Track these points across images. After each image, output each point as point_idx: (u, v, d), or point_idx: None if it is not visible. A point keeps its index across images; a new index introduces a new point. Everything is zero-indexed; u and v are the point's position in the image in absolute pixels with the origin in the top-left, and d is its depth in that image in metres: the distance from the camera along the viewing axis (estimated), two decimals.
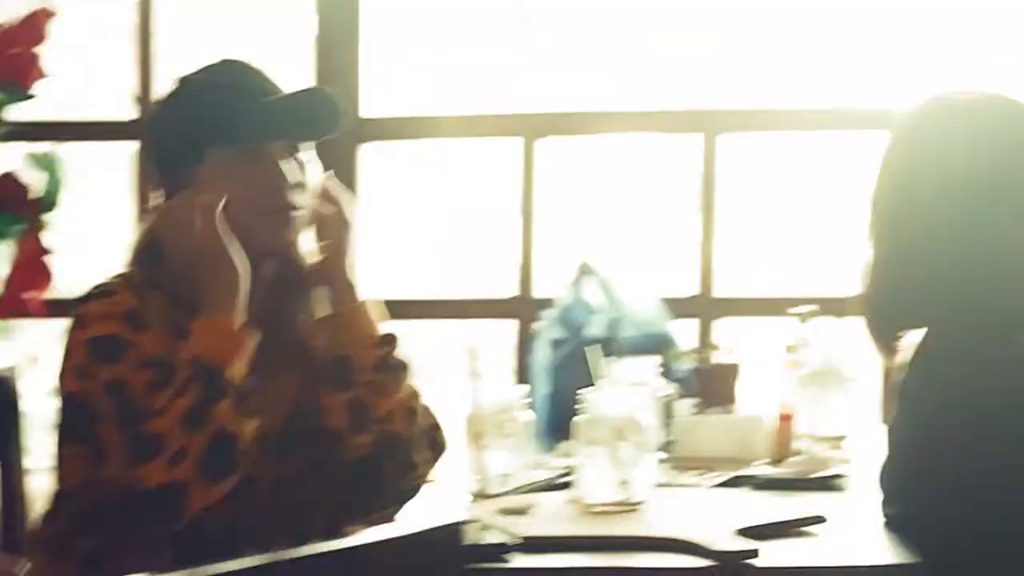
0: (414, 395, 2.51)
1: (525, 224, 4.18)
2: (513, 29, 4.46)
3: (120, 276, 2.48)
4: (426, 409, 2.53)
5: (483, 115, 4.26)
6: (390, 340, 2.49)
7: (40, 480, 2.81)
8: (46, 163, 3.97)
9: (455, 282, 4.11)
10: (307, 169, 2.48)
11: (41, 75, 3.85)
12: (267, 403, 2.41)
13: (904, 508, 2.49)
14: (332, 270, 2.50)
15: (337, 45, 4.21)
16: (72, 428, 2.39)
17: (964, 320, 2.48)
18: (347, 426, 2.44)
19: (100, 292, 2.44)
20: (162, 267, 2.45)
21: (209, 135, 2.44)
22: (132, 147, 4.24)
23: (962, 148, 2.49)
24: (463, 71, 4.49)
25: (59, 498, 2.42)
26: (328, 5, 4.25)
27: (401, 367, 2.49)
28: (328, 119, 2.47)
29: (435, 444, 2.53)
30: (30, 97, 3.86)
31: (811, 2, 4.31)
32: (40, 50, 3.83)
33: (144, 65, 4.25)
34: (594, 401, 2.69)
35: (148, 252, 2.48)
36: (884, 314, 2.58)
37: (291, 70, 4.19)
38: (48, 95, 3.95)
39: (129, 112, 4.29)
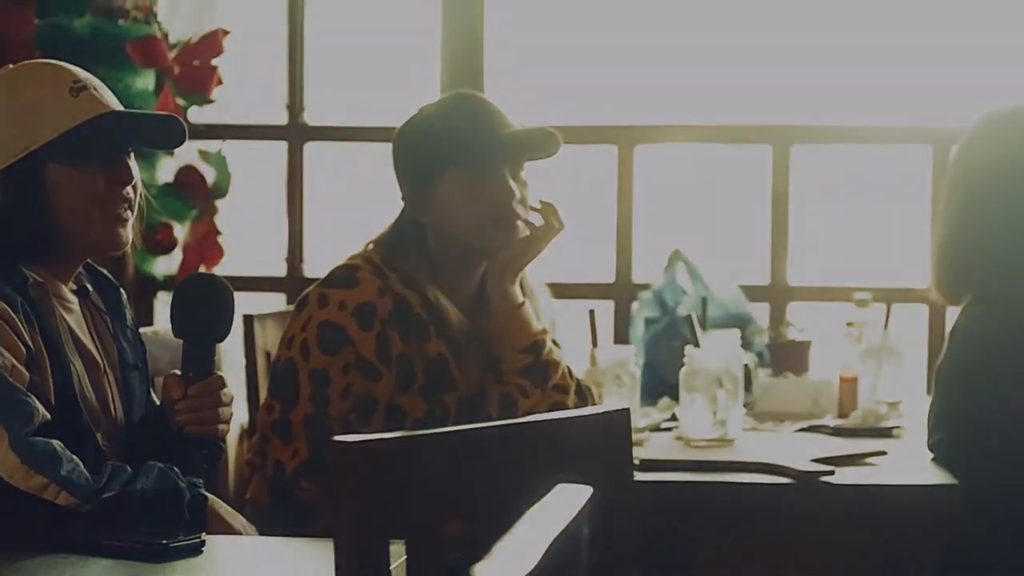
0: (562, 390, 2.90)
1: (622, 218, 4.72)
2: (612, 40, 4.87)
3: (363, 258, 2.82)
4: (579, 402, 2.92)
5: (585, 126, 4.78)
6: (536, 346, 2.87)
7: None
8: (215, 159, 4.50)
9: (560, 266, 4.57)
10: (527, 188, 2.86)
11: (219, 83, 4.35)
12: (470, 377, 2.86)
13: (943, 434, 3.02)
14: (493, 278, 2.87)
15: (463, 57, 4.71)
16: (280, 390, 2.77)
17: (1006, 284, 3.03)
18: (498, 416, 2.83)
19: (346, 277, 2.77)
20: (407, 254, 2.81)
21: (449, 159, 2.81)
22: (283, 147, 4.77)
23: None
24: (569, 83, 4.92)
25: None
26: (453, 19, 4.70)
27: (543, 370, 2.87)
28: (551, 148, 2.84)
29: None
30: (211, 102, 4.36)
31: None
32: (217, 62, 4.34)
33: (293, 76, 4.76)
34: (696, 356, 3.23)
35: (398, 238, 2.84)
36: (947, 275, 3.11)
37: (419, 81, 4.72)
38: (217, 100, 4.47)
39: (280, 116, 4.81)
